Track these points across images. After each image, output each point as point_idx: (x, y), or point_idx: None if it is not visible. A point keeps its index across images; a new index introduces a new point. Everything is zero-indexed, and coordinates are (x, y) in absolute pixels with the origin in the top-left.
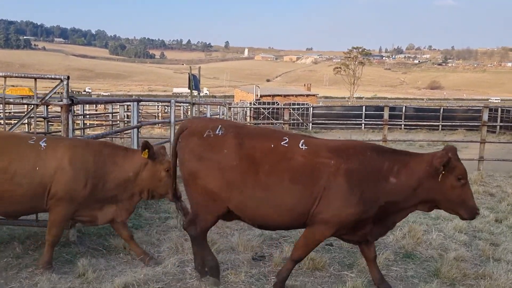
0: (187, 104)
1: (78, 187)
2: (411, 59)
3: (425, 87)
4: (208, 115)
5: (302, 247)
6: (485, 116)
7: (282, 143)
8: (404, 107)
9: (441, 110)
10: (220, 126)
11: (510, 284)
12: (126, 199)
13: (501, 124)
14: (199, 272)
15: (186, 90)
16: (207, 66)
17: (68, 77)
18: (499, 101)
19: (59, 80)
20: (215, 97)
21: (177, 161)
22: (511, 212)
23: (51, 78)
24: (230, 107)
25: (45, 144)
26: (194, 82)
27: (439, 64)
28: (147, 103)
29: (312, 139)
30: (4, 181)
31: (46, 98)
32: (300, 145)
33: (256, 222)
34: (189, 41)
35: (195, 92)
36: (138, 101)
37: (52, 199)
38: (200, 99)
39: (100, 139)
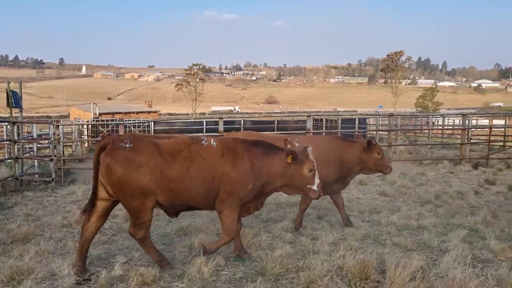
0: (7, 123)
1: None
2: (249, 76)
3: (263, 102)
4: (35, 135)
5: None
6: (309, 124)
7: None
8: (242, 120)
9: (276, 122)
10: None
11: (325, 272)
12: None
13: (326, 131)
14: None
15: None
16: (40, 84)
17: None
18: (342, 111)
19: None
20: (50, 117)
21: None
22: (331, 209)
23: None
24: (59, 125)
25: None
26: (14, 99)
27: (274, 81)
28: None
29: None
30: None
31: None
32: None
33: None
34: (16, 56)
35: (15, 110)
36: None
37: None
38: (24, 118)
39: None
